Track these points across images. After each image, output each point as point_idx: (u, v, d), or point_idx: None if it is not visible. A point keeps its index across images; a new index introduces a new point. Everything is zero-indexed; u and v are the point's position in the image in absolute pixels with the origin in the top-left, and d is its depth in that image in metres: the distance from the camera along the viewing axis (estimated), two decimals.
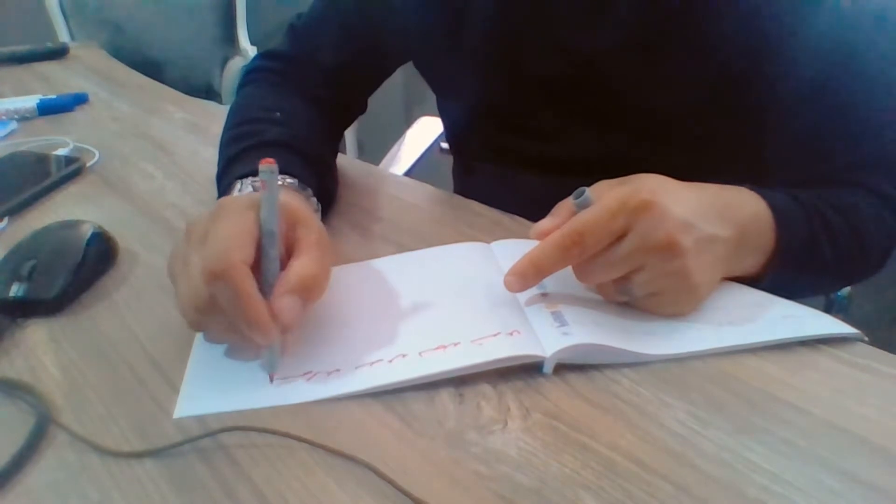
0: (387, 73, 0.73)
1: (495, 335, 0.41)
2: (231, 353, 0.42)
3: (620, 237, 0.41)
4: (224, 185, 0.54)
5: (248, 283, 0.37)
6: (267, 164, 0.39)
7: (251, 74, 0.71)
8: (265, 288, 0.39)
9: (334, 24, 0.68)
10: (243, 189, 0.50)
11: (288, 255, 0.41)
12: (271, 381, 0.40)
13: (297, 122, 0.61)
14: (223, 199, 0.42)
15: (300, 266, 0.40)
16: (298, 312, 0.39)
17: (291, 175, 0.52)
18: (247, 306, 0.37)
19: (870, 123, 0.54)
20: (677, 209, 0.41)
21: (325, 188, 0.58)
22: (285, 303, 0.38)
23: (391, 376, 0.39)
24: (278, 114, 0.61)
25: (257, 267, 0.39)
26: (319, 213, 0.54)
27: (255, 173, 0.51)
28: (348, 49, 0.68)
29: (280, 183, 0.50)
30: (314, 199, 0.54)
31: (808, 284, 0.53)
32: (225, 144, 0.60)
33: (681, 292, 0.43)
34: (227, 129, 0.62)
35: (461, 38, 0.62)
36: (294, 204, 0.44)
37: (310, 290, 0.40)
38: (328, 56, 0.68)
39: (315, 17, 0.70)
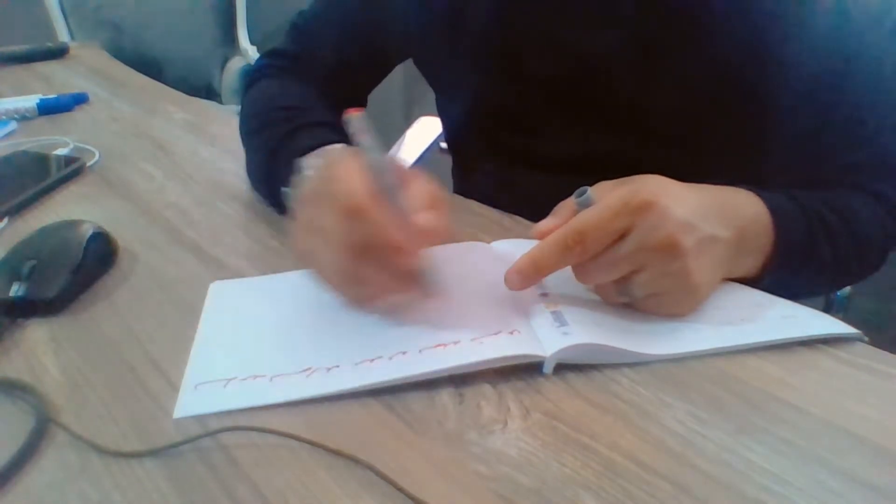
0: (387, 69, 0.74)
1: (495, 334, 0.41)
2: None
3: (621, 237, 0.41)
4: (287, 163, 0.53)
5: (385, 209, 0.38)
6: (353, 113, 0.41)
7: (260, 72, 0.72)
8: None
9: (336, 22, 0.69)
10: (313, 164, 0.51)
11: None
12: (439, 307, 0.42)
13: (326, 110, 0.62)
14: (323, 162, 0.43)
15: (420, 186, 0.41)
16: (439, 224, 0.40)
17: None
18: (390, 229, 0.38)
19: (869, 125, 0.54)
20: (678, 210, 0.41)
21: None
22: (425, 216, 0.40)
23: (391, 373, 0.39)
24: (308, 102, 0.63)
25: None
26: None
27: (316, 147, 0.52)
28: (350, 47, 0.68)
29: None
30: None
31: (806, 285, 0.53)
32: (261, 129, 0.60)
33: (681, 293, 0.43)
34: (255, 116, 0.63)
35: (461, 37, 0.62)
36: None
37: (440, 203, 0.41)
38: (330, 54, 0.69)
39: (317, 15, 0.70)
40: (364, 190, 0.38)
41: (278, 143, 0.56)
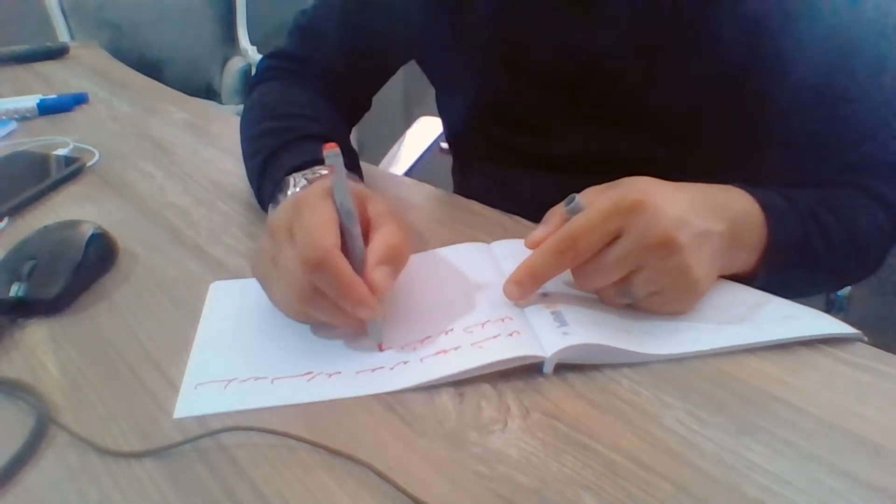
0: (392, 70, 0.74)
1: (495, 337, 0.41)
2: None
3: (615, 239, 0.41)
4: (274, 178, 0.54)
5: (346, 266, 0.39)
6: (331, 149, 0.40)
7: (266, 73, 0.72)
8: (355, 264, 0.40)
9: (340, 23, 0.68)
10: (298, 183, 0.51)
11: (364, 232, 0.43)
12: (381, 349, 0.42)
13: (325, 118, 0.63)
14: (298, 194, 0.43)
15: (383, 237, 0.42)
16: (391, 281, 0.41)
17: None
18: (348, 287, 0.38)
19: (867, 125, 0.54)
20: (669, 207, 0.41)
21: (360, 178, 0.59)
22: (379, 274, 0.40)
23: (392, 384, 0.39)
24: (308, 110, 0.63)
25: (344, 248, 0.40)
26: None
27: (305, 165, 0.53)
28: (355, 48, 0.68)
29: (327, 172, 0.51)
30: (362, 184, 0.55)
31: (803, 283, 0.53)
32: (258, 136, 0.61)
33: (682, 289, 0.43)
34: (253, 123, 0.63)
35: (462, 36, 0.62)
36: (357, 186, 0.46)
37: (398, 258, 0.42)
38: (337, 56, 0.69)
39: (320, 16, 0.70)
40: (328, 243, 0.38)
41: (270, 154, 0.57)
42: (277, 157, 0.56)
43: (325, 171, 0.51)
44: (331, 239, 0.39)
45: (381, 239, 0.41)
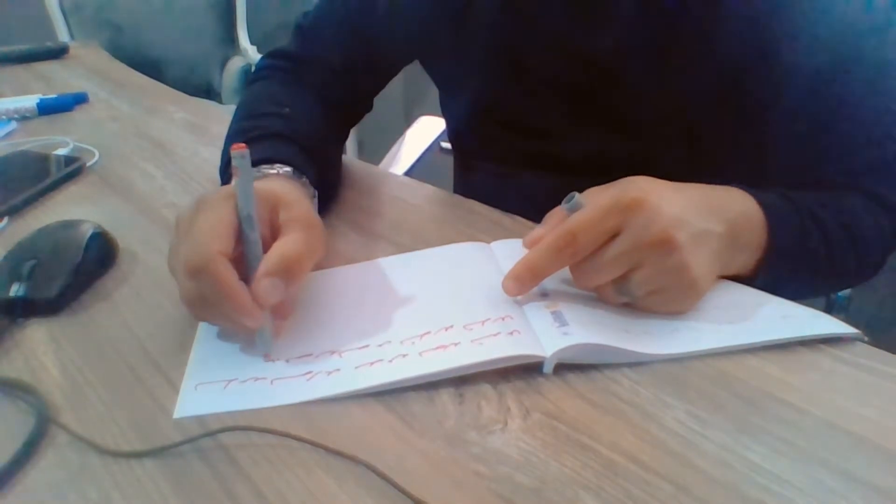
0: (393, 72, 0.74)
1: (495, 335, 0.41)
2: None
3: (614, 237, 0.41)
4: (225, 177, 0.55)
5: (227, 273, 0.38)
6: (238, 150, 0.39)
7: (261, 72, 0.72)
8: (250, 271, 0.39)
9: (341, 24, 0.68)
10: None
11: (273, 238, 0.42)
12: (265, 360, 0.41)
13: (301, 117, 0.62)
14: (205, 193, 0.43)
15: (279, 247, 0.41)
16: (280, 293, 0.39)
17: (287, 164, 0.52)
18: (228, 295, 0.38)
19: (868, 127, 0.54)
20: (669, 206, 0.41)
21: (324, 179, 0.58)
22: (264, 285, 0.39)
23: (391, 376, 0.39)
24: (287, 109, 0.62)
25: (242, 253, 0.40)
26: (316, 200, 0.54)
27: (254, 164, 0.51)
28: (355, 49, 0.68)
29: (274, 171, 0.51)
30: (311, 187, 0.54)
31: (802, 285, 0.53)
32: (229, 137, 0.60)
33: (681, 288, 0.43)
34: (233, 122, 0.63)
35: (465, 37, 0.62)
36: (275, 188, 0.44)
37: (290, 271, 0.40)
38: (336, 56, 0.68)
39: (321, 16, 0.70)
40: (210, 249, 0.38)
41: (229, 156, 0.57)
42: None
43: (272, 171, 0.50)
44: (216, 245, 0.38)
45: (278, 248, 0.40)
